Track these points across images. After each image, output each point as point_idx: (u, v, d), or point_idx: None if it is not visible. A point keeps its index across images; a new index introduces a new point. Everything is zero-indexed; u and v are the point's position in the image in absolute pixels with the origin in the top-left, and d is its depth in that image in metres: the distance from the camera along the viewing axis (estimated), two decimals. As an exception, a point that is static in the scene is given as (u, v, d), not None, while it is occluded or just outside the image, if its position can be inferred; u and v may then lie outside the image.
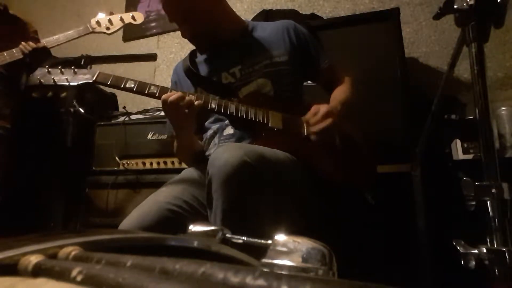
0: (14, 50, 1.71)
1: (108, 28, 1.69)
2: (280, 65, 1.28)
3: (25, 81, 1.84)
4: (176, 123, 1.20)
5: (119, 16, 1.70)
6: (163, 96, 1.11)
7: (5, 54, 1.70)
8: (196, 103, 1.12)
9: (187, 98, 1.11)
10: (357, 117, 1.31)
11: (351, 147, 1.24)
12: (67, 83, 1.19)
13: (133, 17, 1.71)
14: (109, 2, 3.12)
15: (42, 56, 1.64)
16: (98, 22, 1.69)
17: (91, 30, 1.69)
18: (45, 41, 1.73)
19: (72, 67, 1.22)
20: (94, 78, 1.18)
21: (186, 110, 1.10)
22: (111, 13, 1.72)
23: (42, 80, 1.19)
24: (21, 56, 1.68)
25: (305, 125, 1.17)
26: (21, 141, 1.97)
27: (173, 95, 1.10)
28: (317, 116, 1.12)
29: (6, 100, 1.89)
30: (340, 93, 1.30)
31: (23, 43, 1.70)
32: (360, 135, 1.28)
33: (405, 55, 1.76)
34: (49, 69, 1.20)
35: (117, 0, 3.07)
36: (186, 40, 1.36)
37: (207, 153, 1.28)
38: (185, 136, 1.24)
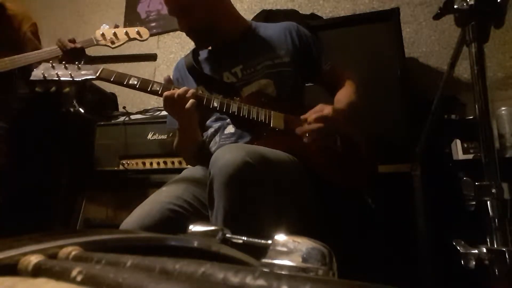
0: (7, 59, 1.70)
1: (113, 42, 1.69)
2: (282, 66, 1.27)
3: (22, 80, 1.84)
4: (180, 116, 1.18)
5: (125, 31, 1.71)
6: (166, 93, 1.11)
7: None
8: (198, 94, 1.13)
9: (190, 91, 1.11)
10: (357, 117, 1.30)
11: (351, 148, 1.24)
12: (71, 79, 1.19)
13: (138, 33, 1.71)
14: (109, 2, 3.12)
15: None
16: (103, 35, 1.69)
17: (95, 42, 1.69)
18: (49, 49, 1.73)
19: (76, 62, 1.22)
20: (97, 74, 1.19)
21: (191, 100, 1.10)
22: (116, 26, 1.72)
23: (45, 75, 1.18)
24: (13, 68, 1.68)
25: (303, 122, 1.16)
26: (21, 141, 1.97)
27: (176, 92, 1.11)
28: (316, 115, 1.12)
29: (4, 101, 1.89)
30: (345, 97, 1.28)
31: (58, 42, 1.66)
32: (361, 136, 1.28)
33: (405, 55, 1.76)
34: (53, 64, 1.20)
35: (117, 0, 3.07)
36: (186, 40, 1.36)
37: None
38: (190, 128, 1.23)
